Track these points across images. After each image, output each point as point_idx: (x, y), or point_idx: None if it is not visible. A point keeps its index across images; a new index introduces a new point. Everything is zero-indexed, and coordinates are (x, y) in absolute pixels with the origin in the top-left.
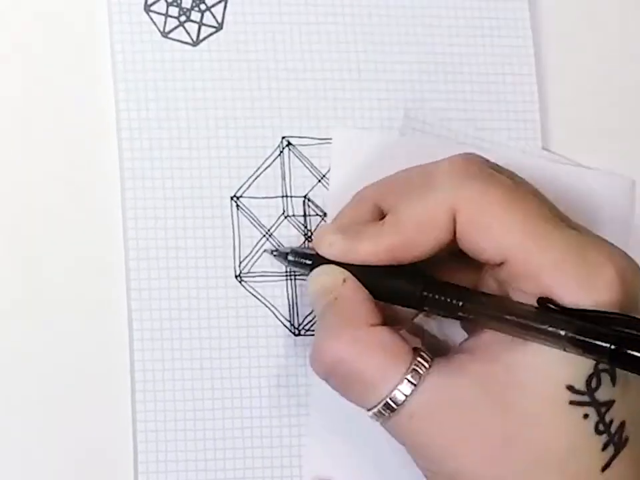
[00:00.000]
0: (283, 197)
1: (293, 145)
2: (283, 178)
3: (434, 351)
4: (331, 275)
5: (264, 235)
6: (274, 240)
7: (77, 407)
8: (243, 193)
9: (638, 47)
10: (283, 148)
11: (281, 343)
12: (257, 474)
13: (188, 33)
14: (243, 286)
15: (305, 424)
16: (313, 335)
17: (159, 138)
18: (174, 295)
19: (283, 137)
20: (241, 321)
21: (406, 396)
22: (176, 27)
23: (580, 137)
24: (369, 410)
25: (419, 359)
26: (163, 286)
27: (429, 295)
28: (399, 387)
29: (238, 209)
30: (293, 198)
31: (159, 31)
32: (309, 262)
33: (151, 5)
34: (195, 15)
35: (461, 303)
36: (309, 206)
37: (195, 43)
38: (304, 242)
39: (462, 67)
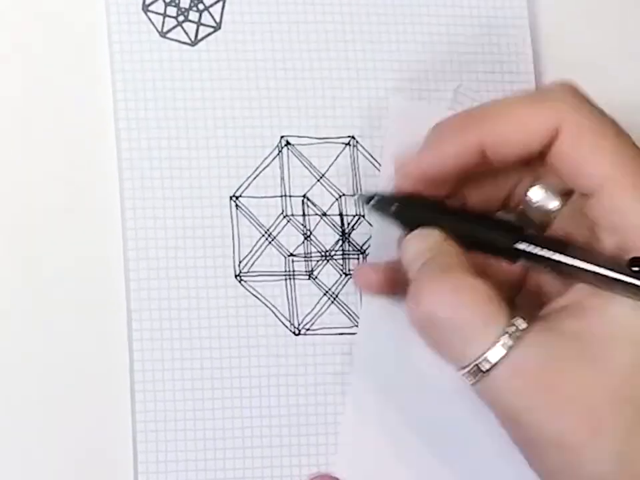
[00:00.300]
0: (282, 196)
1: (292, 145)
2: (282, 177)
3: (527, 305)
4: (431, 237)
5: (263, 235)
6: (273, 240)
7: (76, 407)
8: (242, 192)
9: (637, 45)
10: (282, 147)
11: (281, 343)
12: (256, 474)
13: (186, 33)
14: (243, 285)
15: (305, 424)
16: (313, 334)
17: (158, 138)
18: (173, 294)
19: (282, 137)
20: (241, 321)
21: (506, 352)
22: (174, 27)
23: None
24: (463, 368)
25: (517, 315)
26: (163, 286)
27: (523, 247)
28: (498, 343)
29: (237, 209)
30: (292, 197)
31: (157, 30)
32: (393, 208)
33: (149, 4)
34: (193, 15)
35: (554, 256)
36: (307, 205)
37: (193, 43)
38: (303, 242)
39: (460, 65)
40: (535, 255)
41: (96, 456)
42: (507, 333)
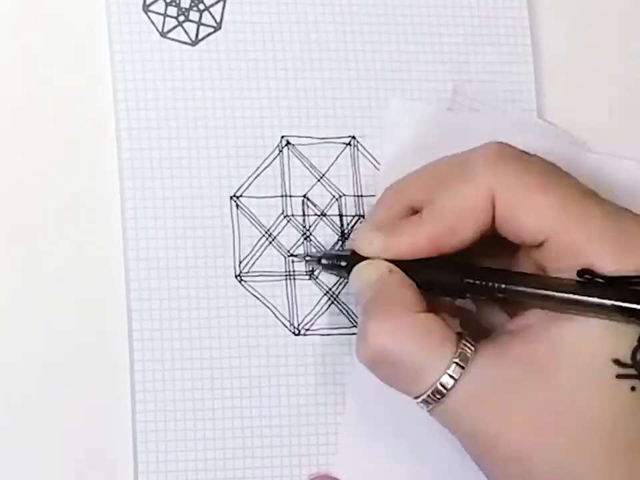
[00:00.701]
0: (282, 196)
1: (292, 145)
2: (283, 178)
3: (476, 334)
4: (376, 268)
5: (263, 235)
6: (274, 240)
7: (76, 407)
8: (243, 192)
9: (637, 45)
10: (282, 147)
11: (281, 343)
12: (256, 474)
13: (187, 33)
14: (243, 286)
15: (305, 424)
16: (313, 334)
17: (158, 138)
18: (173, 294)
19: (282, 137)
20: (241, 321)
21: (455, 380)
22: (174, 27)
23: (579, 138)
24: (416, 398)
25: (465, 342)
26: (163, 286)
27: (470, 282)
28: (448, 371)
29: (237, 209)
30: (292, 197)
31: (158, 30)
32: (343, 264)
33: (150, 4)
34: (194, 15)
35: (502, 286)
36: (308, 206)
37: (194, 43)
38: (303, 242)
39: (460, 65)
40: (484, 286)
41: (96, 456)
42: (455, 361)
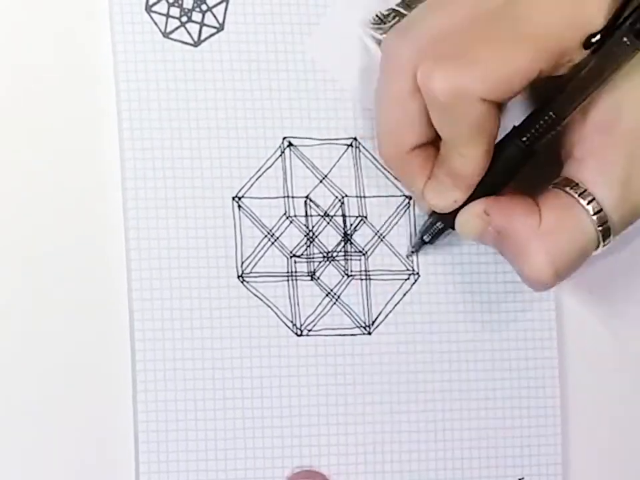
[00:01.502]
0: (284, 197)
1: (294, 146)
2: (285, 179)
3: None
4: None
5: (266, 236)
6: (276, 241)
7: (78, 407)
8: (245, 193)
9: None
10: (284, 149)
11: (283, 343)
12: (257, 474)
13: (189, 34)
14: (245, 286)
15: (307, 424)
16: (314, 335)
17: (161, 138)
18: (176, 295)
19: (284, 138)
20: (243, 321)
21: None
22: (177, 28)
23: None
24: None
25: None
26: (165, 286)
27: (531, 139)
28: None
29: (240, 210)
30: (294, 198)
31: (160, 31)
32: (440, 225)
33: (152, 5)
34: (196, 16)
35: (551, 113)
36: (310, 206)
37: (196, 44)
38: (306, 242)
39: None
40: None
41: (98, 456)
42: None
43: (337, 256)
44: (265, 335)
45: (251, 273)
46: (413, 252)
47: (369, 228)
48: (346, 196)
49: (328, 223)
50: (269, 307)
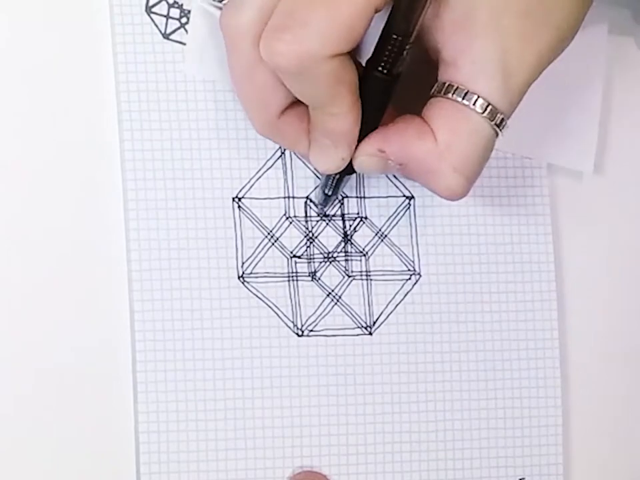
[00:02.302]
0: (284, 198)
1: None
2: (285, 179)
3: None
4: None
5: (266, 236)
6: (276, 241)
7: (79, 408)
8: (245, 194)
9: None
10: (285, 149)
11: (284, 344)
12: (258, 474)
13: None
14: (246, 287)
15: (308, 425)
16: (315, 335)
17: (161, 139)
18: (176, 295)
19: None
20: (244, 322)
21: None
22: (177, 29)
23: None
24: None
25: None
26: (165, 287)
27: (388, 65)
28: None
29: (240, 210)
30: (294, 199)
31: (161, 32)
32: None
33: (152, 6)
34: None
35: (395, 36)
36: (310, 207)
37: None
38: (306, 243)
39: None
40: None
41: (99, 456)
42: None
43: (337, 256)
44: (266, 335)
45: (251, 273)
46: (321, 209)
47: (369, 228)
48: (346, 196)
49: (327, 224)
50: (270, 307)
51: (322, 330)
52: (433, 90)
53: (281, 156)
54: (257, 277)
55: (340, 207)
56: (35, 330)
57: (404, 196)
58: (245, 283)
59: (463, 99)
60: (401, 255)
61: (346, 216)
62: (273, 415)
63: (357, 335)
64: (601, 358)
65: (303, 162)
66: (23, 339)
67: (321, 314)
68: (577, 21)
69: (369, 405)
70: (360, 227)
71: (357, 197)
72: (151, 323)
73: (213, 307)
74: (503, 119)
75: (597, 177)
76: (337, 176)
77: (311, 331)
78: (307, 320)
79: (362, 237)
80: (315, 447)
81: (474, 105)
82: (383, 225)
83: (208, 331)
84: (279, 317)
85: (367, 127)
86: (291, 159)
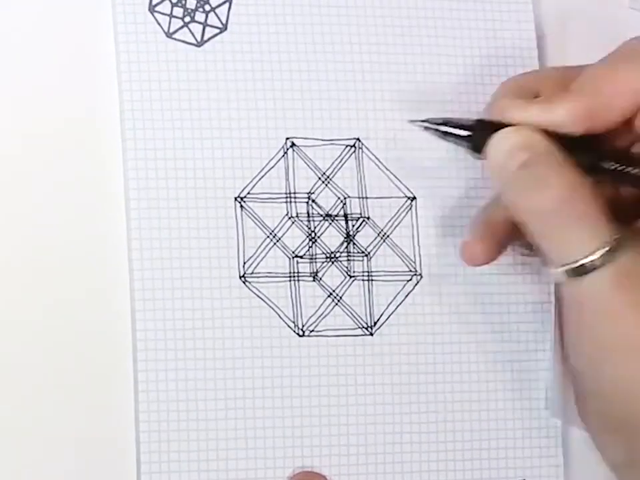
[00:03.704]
0: (287, 198)
1: (297, 146)
2: (287, 179)
3: (621, 216)
4: (523, 135)
5: (268, 236)
6: (278, 241)
7: (79, 407)
8: (247, 193)
9: None
10: (287, 149)
11: (285, 344)
12: (259, 475)
13: (192, 34)
14: (247, 287)
15: (309, 425)
16: (317, 336)
17: (163, 138)
18: (178, 295)
19: (287, 138)
20: (245, 322)
21: (603, 260)
22: (180, 28)
23: None
24: (563, 265)
25: (614, 229)
26: (167, 286)
27: (610, 165)
28: (599, 250)
29: (242, 210)
30: (297, 199)
31: (164, 31)
32: (465, 133)
33: (156, 5)
34: (200, 16)
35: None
36: (313, 207)
37: (200, 44)
38: (308, 243)
39: (465, 68)
40: (620, 171)
41: (99, 456)
42: (609, 241)
43: (339, 257)
44: (267, 335)
45: (253, 273)
46: (425, 127)
47: (371, 229)
48: (348, 197)
49: (330, 224)
50: (271, 307)
51: (323, 330)
52: None
53: (283, 155)
54: (258, 277)
55: (342, 207)
56: (35, 329)
57: (406, 197)
58: (247, 283)
59: None
60: (402, 255)
61: (349, 216)
62: (273, 415)
63: (358, 335)
64: None
65: (305, 162)
66: (23, 338)
67: (322, 314)
68: None
69: (369, 405)
70: (362, 227)
71: (359, 198)
72: (152, 323)
73: (214, 306)
74: None
75: None
76: None
77: (312, 331)
78: (308, 320)
79: (364, 237)
80: (315, 447)
81: None
82: (385, 226)
83: (209, 331)
84: (280, 317)
85: None
86: (293, 159)
